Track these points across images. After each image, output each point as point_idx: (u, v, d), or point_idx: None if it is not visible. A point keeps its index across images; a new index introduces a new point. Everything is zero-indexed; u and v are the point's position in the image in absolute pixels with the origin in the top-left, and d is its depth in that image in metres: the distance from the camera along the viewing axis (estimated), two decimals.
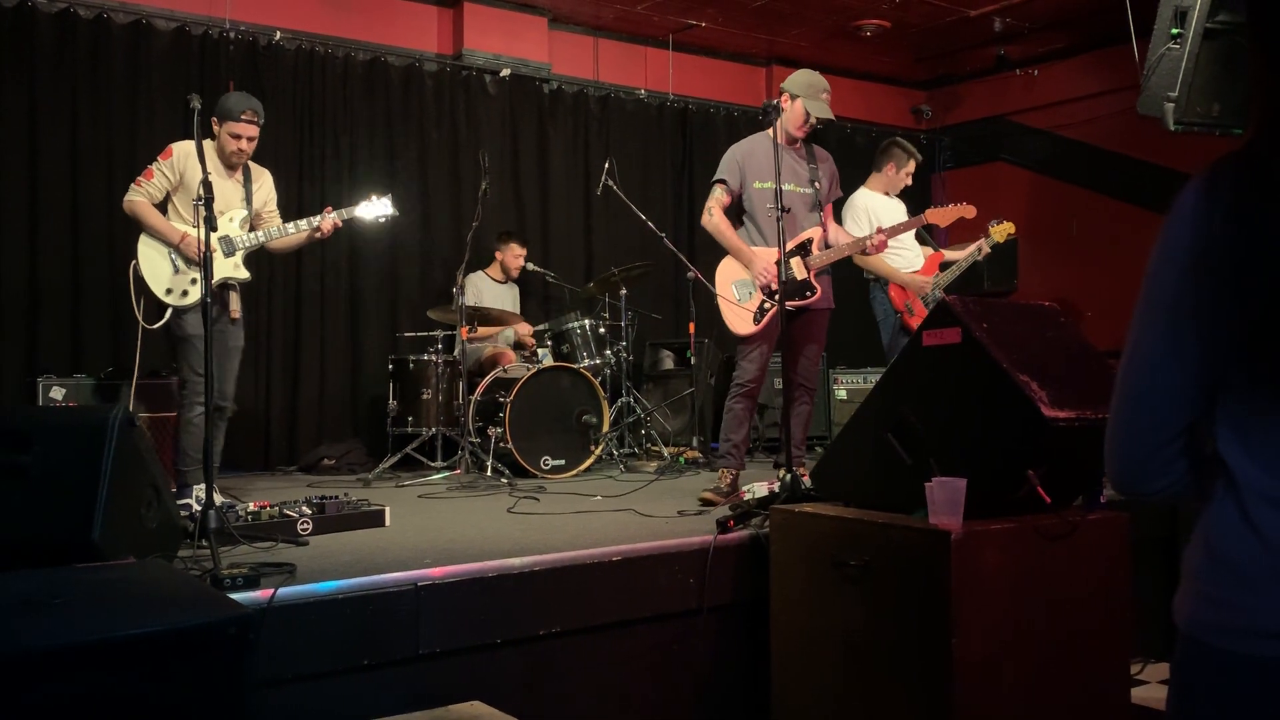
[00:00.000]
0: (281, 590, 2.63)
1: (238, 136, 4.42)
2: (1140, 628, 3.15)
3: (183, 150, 4.40)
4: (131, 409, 4.48)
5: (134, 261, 4.32)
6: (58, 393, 5.12)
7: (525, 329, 6.51)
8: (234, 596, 2.49)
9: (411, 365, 6.08)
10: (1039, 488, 2.68)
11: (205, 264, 3.40)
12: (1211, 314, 1.19)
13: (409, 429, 5.97)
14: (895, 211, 5.62)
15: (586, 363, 6.05)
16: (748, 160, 4.53)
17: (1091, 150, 8.25)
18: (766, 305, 4.39)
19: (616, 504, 4.42)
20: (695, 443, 6.46)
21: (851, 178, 8.25)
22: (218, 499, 3.38)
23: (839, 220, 5.08)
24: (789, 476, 3.58)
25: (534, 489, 4.99)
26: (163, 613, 1.97)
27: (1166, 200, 1.25)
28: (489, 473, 5.35)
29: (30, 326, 5.73)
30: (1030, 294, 7.57)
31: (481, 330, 6.26)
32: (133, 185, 4.39)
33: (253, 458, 6.25)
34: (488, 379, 5.91)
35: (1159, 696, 3.61)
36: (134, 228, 4.41)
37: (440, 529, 3.77)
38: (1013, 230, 5.64)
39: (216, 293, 4.41)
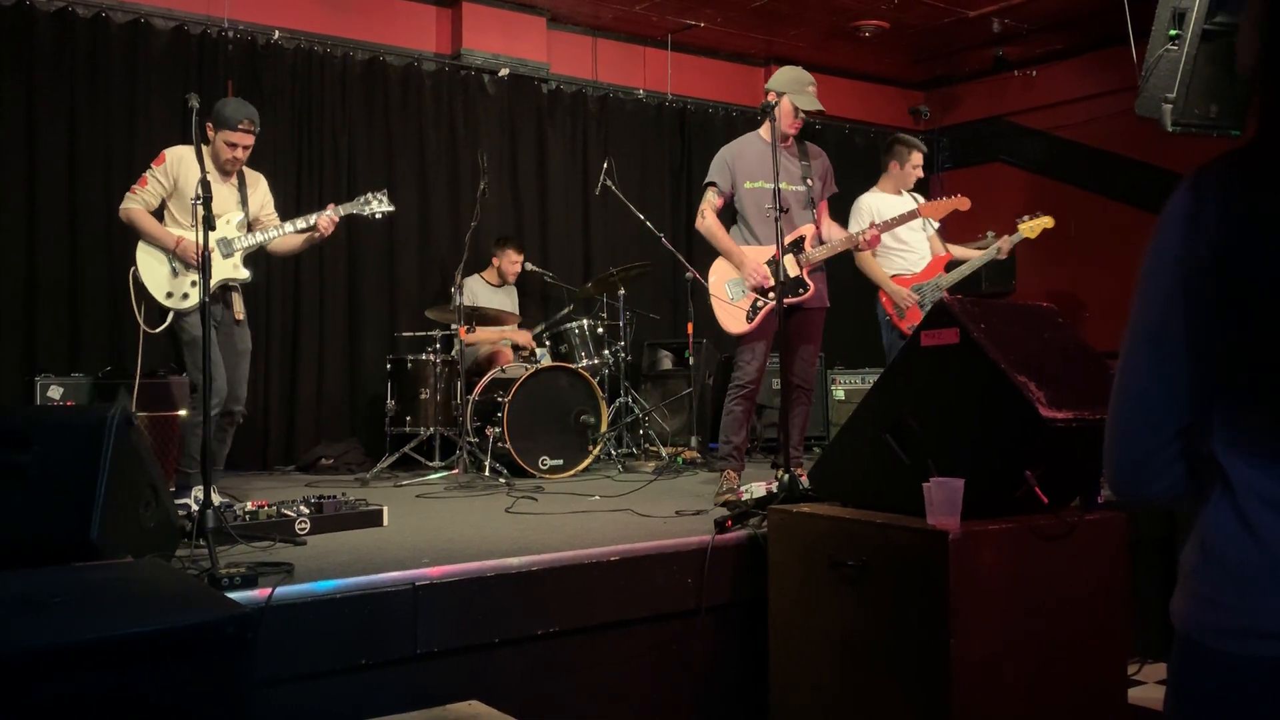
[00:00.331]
0: (279, 590, 2.63)
1: (233, 145, 4.42)
2: (1138, 628, 3.16)
3: (175, 155, 4.40)
4: (133, 409, 4.49)
5: (133, 268, 4.33)
6: (55, 392, 5.11)
7: (524, 336, 6.51)
8: (232, 596, 2.49)
9: (410, 365, 6.08)
10: (1037, 488, 2.68)
11: (204, 264, 3.40)
12: (1206, 316, 1.19)
13: (407, 429, 5.98)
14: (906, 209, 5.60)
15: (584, 363, 6.05)
16: (738, 161, 4.54)
17: (1089, 151, 8.25)
18: (759, 304, 4.38)
19: (614, 504, 4.42)
20: (693, 443, 6.46)
21: (851, 178, 8.27)
22: (216, 499, 3.37)
23: (844, 223, 5.08)
24: (787, 477, 3.59)
25: (532, 489, 5.00)
26: (161, 612, 1.97)
27: (1164, 201, 1.25)
28: (487, 472, 5.35)
29: (28, 326, 5.72)
30: (1028, 295, 7.58)
31: (481, 332, 6.26)
32: (128, 193, 4.39)
33: (251, 457, 6.24)
34: (486, 379, 5.91)
35: (1156, 697, 3.61)
36: (131, 231, 4.41)
37: (438, 529, 3.77)
38: (1050, 223, 5.45)
39: (218, 294, 4.42)
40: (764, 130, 4.58)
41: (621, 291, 6.35)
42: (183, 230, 4.36)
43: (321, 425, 6.56)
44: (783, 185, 4.44)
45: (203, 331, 3.36)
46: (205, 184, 3.40)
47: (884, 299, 5.44)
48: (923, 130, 9.32)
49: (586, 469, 5.77)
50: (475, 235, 5.88)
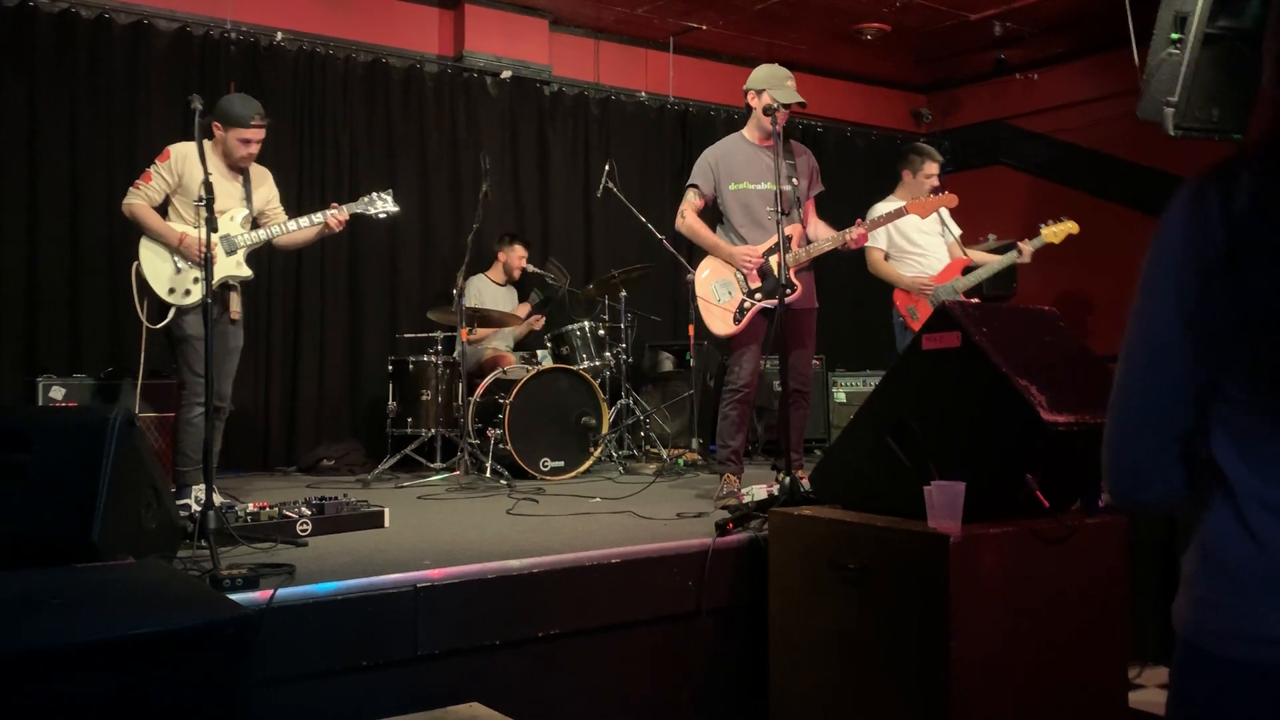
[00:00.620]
0: (281, 591, 2.63)
1: (247, 141, 4.43)
2: (1138, 632, 3.16)
3: (180, 152, 4.40)
4: (137, 409, 4.50)
5: (136, 263, 4.33)
6: (57, 393, 5.12)
7: (523, 308, 6.52)
8: (233, 597, 2.49)
9: (411, 366, 6.09)
10: (1038, 491, 2.69)
11: (207, 264, 3.40)
12: (1206, 320, 1.19)
13: (408, 430, 5.98)
14: (919, 217, 5.60)
15: (586, 364, 6.05)
16: (721, 163, 4.50)
17: (1091, 154, 8.25)
18: (746, 305, 4.37)
19: (615, 506, 4.42)
20: (694, 445, 6.46)
21: (852, 180, 8.31)
22: (217, 499, 3.38)
23: (839, 225, 5.06)
24: (788, 479, 3.58)
25: (533, 490, 4.99)
26: (162, 613, 1.97)
27: (1165, 205, 1.26)
28: (488, 474, 5.35)
29: (30, 326, 5.73)
30: (1029, 298, 7.58)
31: (481, 331, 6.26)
32: (131, 188, 4.40)
33: (251, 458, 6.25)
34: (487, 380, 5.92)
35: (1156, 701, 3.61)
36: (134, 229, 4.41)
37: (439, 530, 3.77)
38: (1075, 229, 5.44)
39: (217, 292, 4.42)
40: (747, 130, 4.56)
41: (623, 293, 6.35)
42: (186, 226, 4.37)
43: (323, 426, 6.57)
44: (767, 185, 4.43)
45: (204, 331, 3.36)
46: (208, 185, 3.40)
47: (898, 302, 5.44)
48: (924, 133, 9.33)
49: (587, 471, 5.77)
50: (477, 237, 5.88)
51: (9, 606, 1.93)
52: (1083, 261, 7.78)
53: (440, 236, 7.03)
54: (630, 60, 8.02)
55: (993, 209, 8.51)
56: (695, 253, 6.98)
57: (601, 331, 6.23)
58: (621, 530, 3.72)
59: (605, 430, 5.83)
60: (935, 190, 5.35)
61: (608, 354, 6.19)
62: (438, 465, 5.77)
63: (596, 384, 5.85)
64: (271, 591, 2.61)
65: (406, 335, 6.50)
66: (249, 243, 4.48)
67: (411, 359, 6.11)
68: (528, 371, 5.72)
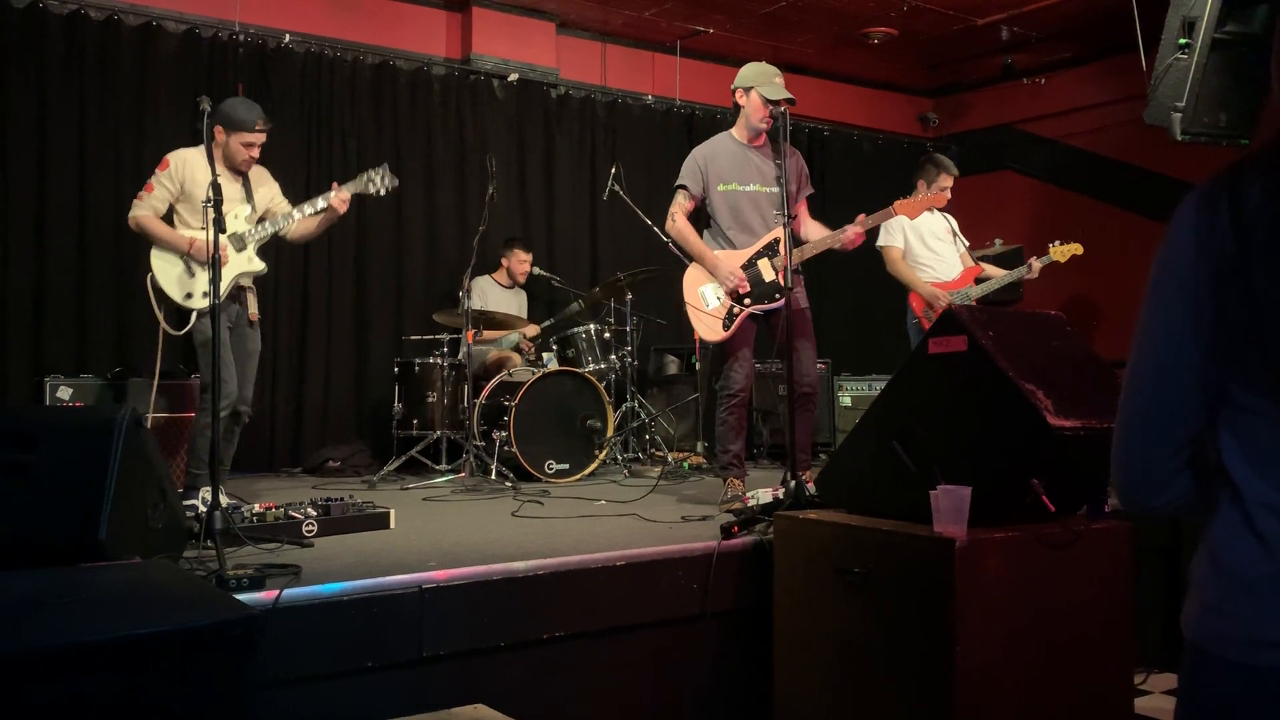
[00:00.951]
0: (286, 591, 2.63)
1: (250, 145, 4.44)
2: (1144, 638, 3.15)
3: (179, 159, 4.42)
4: (154, 409, 4.51)
5: (149, 274, 4.33)
6: (65, 393, 5.13)
7: (532, 329, 6.52)
8: (239, 597, 2.49)
9: (417, 368, 6.10)
10: (1043, 496, 2.68)
11: (215, 267, 3.41)
12: (1214, 324, 1.19)
13: (414, 432, 5.99)
14: (934, 225, 5.63)
15: (591, 367, 6.06)
16: (710, 163, 4.45)
17: (1098, 159, 8.24)
18: (735, 310, 4.35)
19: (620, 509, 4.42)
20: (699, 448, 6.46)
21: (858, 184, 8.30)
22: (223, 500, 3.38)
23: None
24: (793, 483, 3.58)
25: (538, 493, 5.00)
26: (168, 613, 1.98)
27: (1172, 210, 1.25)
28: (493, 476, 5.35)
29: (37, 327, 5.74)
30: (1036, 303, 7.57)
31: (487, 334, 6.27)
32: (135, 201, 4.40)
33: (257, 459, 6.25)
34: (493, 382, 5.92)
35: (1162, 707, 3.61)
36: (142, 237, 4.42)
37: (444, 532, 3.77)
38: (1080, 250, 5.65)
39: (234, 294, 4.45)
40: (736, 130, 4.51)
41: (629, 296, 6.35)
42: (193, 231, 4.38)
43: (328, 428, 6.58)
44: (756, 187, 4.40)
45: (213, 333, 3.37)
46: (216, 187, 3.41)
47: (914, 304, 5.46)
48: (931, 138, 9.32)
49: (592, 473, 5.76)
50: (483, 239, 5.89)
51: (16, 606, 1.94)
52: (1089, 266, 7.75)
53: (446, 239, 7.04)
54: (637, 63, 8.03)
55: (999, 214, 8.51)
56: None
57: (607, 334, 6.24)
58: (626, 533, 3.72)
59: (610, 433, 5.83)
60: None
61: (613, 357, 6.19)
62: (443, 467, 5.78)
63: (602, 387, 5.85)
64: (277, 592, 2.62)
65: (412, 337, 6.51)
66: (258, 236, 4.49)
67: (417, 361, 6.12)
68: (533, 374, 5.73)
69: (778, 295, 4.29)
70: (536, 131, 7.48)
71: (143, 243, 4.43)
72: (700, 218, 4.55)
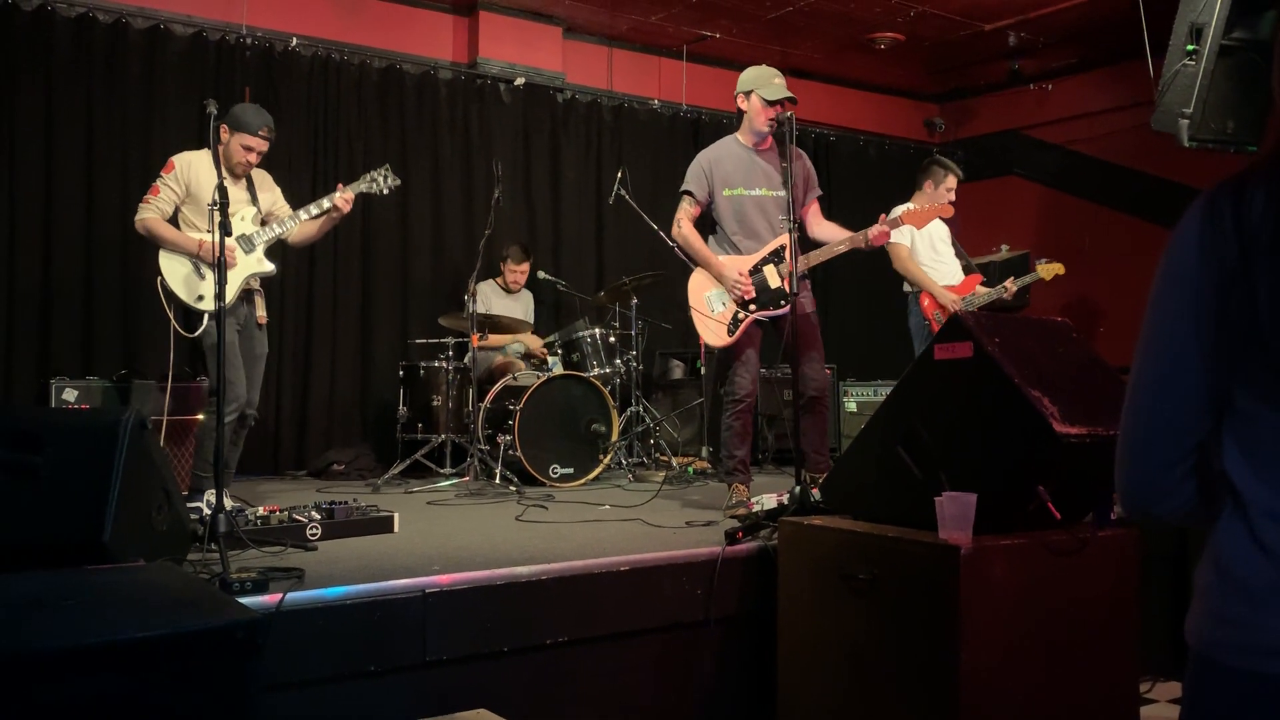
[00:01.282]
0: (290, 595, 2.63)
1: (249, 149, 4.45)
2: (1149, 645, 3.14)
3: (184, 161, 4.43)
4: (166, 412, 4.52)
5: (159, 278, 4.34)
6: (70, 395, 5.14)
7: (535, 342, 6.52)
8: (242, 601, 2.49)
9: (422, 371, 6.10)
10: (1049, 503, 2.67)
11: (220, 270, 3.42)
12: (1218, 332, 1.19)
13: (419, 435, 5.99)
14: (939, 229, 5.63)
15: (596, 371, 6.06)
16: (714, 168, 4.43)
17: (1105, 166, 8.23)
18: (740, 316, 4.34)
19: (624, 513, 4.41)
20: (704, 453, 6.45)
21: (865, 189, 8.29)
22: (228, 503, 3.39)
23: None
24: (798, 489, 3.57)
25: (542, 497, 4.99)
26: (171, 616, 1.98)
27: (1179, 216, 1.25)
28: (497, 480, 5.35)
29: (43, 329, 5.76)
30: (1042, 309, 7.55)
31: (493, 338, 6.27)
32: (141, 204, 4.41)
33: (262, 462, 6.26)
34: (498, 386, 5.92)
35: (1167, 715, 3.59)
36: (150, 240, 4.42)
37: (448, 536, 3.77)
38: (1061, 270, 5.80)
39: (243, 295, 4.46)
40: (741, 134, 4.50)
41: (634, 300, 6.35)
42: (199, 234, 4.39)
43: (333, 431, 6.59)
44: (761, 191, 4.38)
45: (218, 336, 3.37)
46: (222, 189, 3.42)
47: (924, 307, 5.46)
48: (937, 143, 9.32)
49: (597, 478, 5.76)
50: (489, 243, 5.89)
51: (20, 607, 1.94)
52: (1095, 273, 7.77)
53: (452, 242, 7.05)
54: (643, 68, 8.04)
55: (1005, 219, 8.50)
56: None
57: (612, 338, 6.24)
58: (630, 538, 3.71)
59: (615, 437, 5.82)
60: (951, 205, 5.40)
61: (618, 361, 6.19)
62: (447, 471, 5.78)
63: (607, 391, 5.85)
64: (281, 595, 2.62)
65: (418, 341, 6.51)
66: (265, 238, 4.50)
67: (422, 364, 6.13)
68: (538, 378, 5.73)
69: (783, 302, 4.28)
70: (543, 135, 7.49)
71: (150, 245, 4.44)
72: (706, 222, 4.53)
